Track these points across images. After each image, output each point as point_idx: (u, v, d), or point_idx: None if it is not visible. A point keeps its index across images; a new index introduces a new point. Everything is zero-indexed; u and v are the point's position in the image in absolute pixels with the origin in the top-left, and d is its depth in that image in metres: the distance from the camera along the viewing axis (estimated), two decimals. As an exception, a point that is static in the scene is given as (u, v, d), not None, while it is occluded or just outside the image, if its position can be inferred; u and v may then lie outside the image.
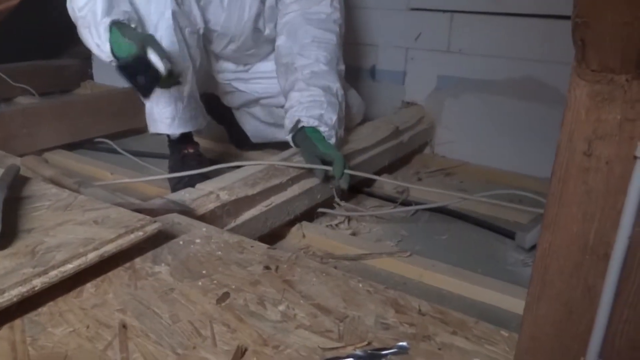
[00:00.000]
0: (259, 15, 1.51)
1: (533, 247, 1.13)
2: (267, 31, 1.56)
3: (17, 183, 0.92)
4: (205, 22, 1.43)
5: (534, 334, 0.47)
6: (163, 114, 1.36)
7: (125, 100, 1.90)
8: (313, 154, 1.27)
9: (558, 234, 0.44)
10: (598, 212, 0.41)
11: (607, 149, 0.40)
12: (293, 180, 1.21)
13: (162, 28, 1.27)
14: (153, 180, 1.38)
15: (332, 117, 1.34)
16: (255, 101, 1.66)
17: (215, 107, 1.70)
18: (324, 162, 1.25)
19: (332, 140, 1.33)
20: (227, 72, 1.61)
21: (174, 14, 1.28)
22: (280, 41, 1.50)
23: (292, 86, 1.41)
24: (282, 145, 1.51)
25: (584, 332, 0.44)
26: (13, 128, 1.59)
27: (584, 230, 0.42)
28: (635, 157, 0.39)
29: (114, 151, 1.74)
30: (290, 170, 1.23)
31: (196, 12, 1.38)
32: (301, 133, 1.32)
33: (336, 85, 1.41)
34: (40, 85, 2.26)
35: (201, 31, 1.40)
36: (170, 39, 1.28)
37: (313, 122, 1.31)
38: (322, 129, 1.31)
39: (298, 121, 1.33)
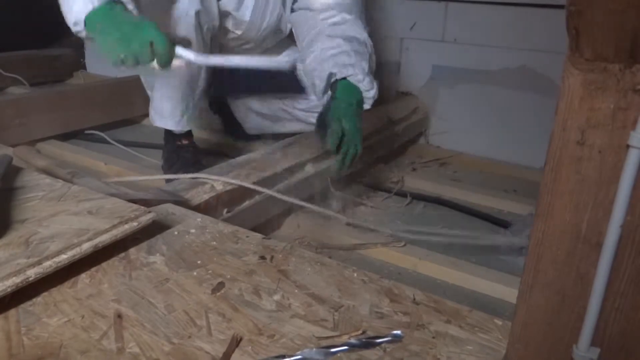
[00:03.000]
0: (279, 18, 1.45)
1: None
2: (287, 31, 1.53)
3: (10, 173, 0.91)
4: (226, 27, 1.37)
5: (526, 322, 0.48)
6: (174, 110, 1.33)
7: (118, 90, 1.88)
8: (339, 123, 1.14)
9: (551, 223, 0.44)
10: (591, 201, 0.42)
11: (600, 138, 0.40)
12: (289, 171, 1.21)
13: (182, 26, 1.20)
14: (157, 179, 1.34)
15: (364, 67, 1.20)
16: (255, 92, 1.64)
17: (212, 97, 1.69)
18: (342, 137, 1.14)
19: (372, 93, 1.21)
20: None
21: (198, 13, 1.20)
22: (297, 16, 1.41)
23: (313, 38, 1.30)
24: (277, 136, 1.51)
25: (576, 320, 0.45)
26: (5, 118, 1.57)
27: (577, 219, 0.43)
28: (628, 146, 0.39)
29: (107, 141, 1.73)
30: (285, 161, 1.23)
31: (215, 9, 1.30)
32: (335, 88, 1.19)
33: (363, 35, 1.28)
34: (32, 75, 2.24)
35: (217, 27, 1.33)
36: (194, 38, 1.22)
37: (347, 72, 1.19)
38: (360, 77, 1.18)
39: (330, 76, 1.20)
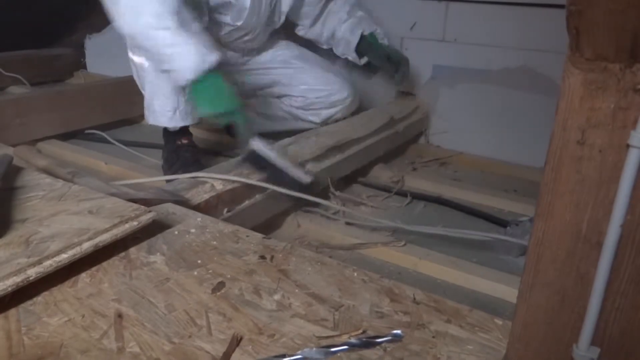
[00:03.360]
0: (275, 6, 1.52)
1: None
2: (280, 22, 1.57)
3: (10, 173, 0.92)
4: (224, 18, 1.42)
5: (527, 322, 0.48)
6: (164, 107, 1.35)
7: (119, 90, 1.88)
8: (384, 55, 1.64)
9: (551, 223, 0.44)
10: (591, 200, 0.42)
11: (601, 138, 0.40)
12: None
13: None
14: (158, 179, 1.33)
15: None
16: (253, 92, 1.65)
17: None
18: (392, 62, 1.63)
19: (386, 40, 1.67)
20: (226, 64, 1.58)
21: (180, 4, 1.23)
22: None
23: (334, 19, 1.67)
24: (277, 135, 1.51)
25: (577, 320, 0.45)
26: (5, 118, 1.57)
27: (577, 218, 0.43)
28: (628, 146, 0.39)
29: (108, 141, 1.73)
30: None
31: (203, 6, 1.35)
32: (364, 43, 1.64)
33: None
34: (32, 75, 2.24)
35: (206, 22, 1.37)
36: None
37: (374, 27, 1.66)
38: (381, 34, 1.66)
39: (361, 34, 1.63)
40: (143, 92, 1.38)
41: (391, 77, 1.67)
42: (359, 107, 1.73)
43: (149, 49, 1.20)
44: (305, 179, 1.17)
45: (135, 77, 1.40)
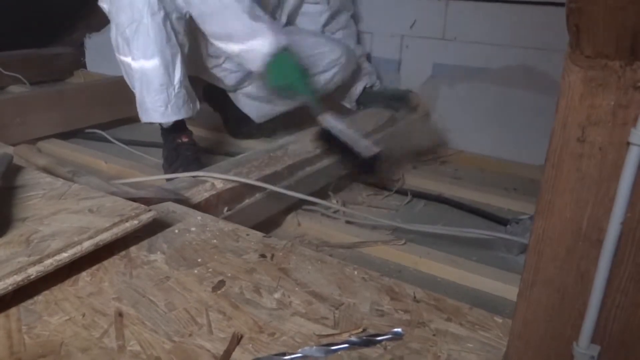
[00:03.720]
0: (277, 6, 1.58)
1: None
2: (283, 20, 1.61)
3: (11, 172, 0.92)
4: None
5: (527, 320, 0.48)
6: (155, 102, 1.34)
7: (119, 89, 1.87)
8: (385, 99, 1.73)
9: (551, 220, 0.44)
10: (591, 198, 0.42)
11: (601, 135, 0.40)
12: (289, 169, 1.21)
13: (146, 15, 1.26)
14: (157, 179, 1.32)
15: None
16: (249, 76, 1.62)
17: (210, 92, 1.69)
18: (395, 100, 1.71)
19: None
20: (215, 57, 1.56)
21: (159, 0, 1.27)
22: None
23: None
24: (276, 134, 1.51)
25: (577, 318, 0.45)
26: (5, 117, 1.57)
27: (577, 216, 0.43)
28: (628, 143, 0.39)
29: (108, 140, 1.73)
30: (286, 158, 1.23)
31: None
32: (364, 94, 1.76)
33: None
34: (32, 74, 2.24)
35: (188, 15, 1.36)
36: (158, 27, 1.27)
37: (374, 80, 1.78)
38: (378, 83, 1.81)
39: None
40: (134, 90, 1.38)
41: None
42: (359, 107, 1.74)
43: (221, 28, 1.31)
44: (374, 149, 1.26)
45: (125, 77, 1.40)
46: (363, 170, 1.34)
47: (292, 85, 1.32)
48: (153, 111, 1.36)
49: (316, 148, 1.27)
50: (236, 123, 1.75)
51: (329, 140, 1.27)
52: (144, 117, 1.39)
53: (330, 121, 1.28)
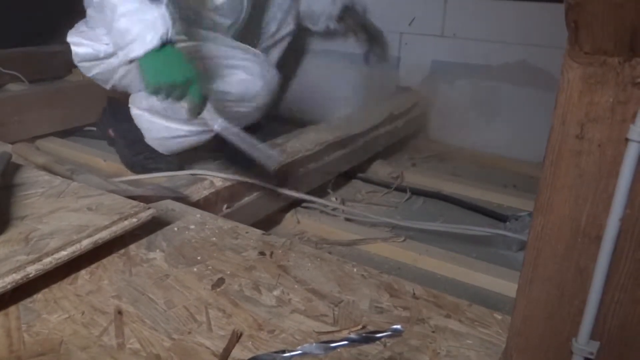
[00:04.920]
0: None
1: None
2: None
3: (9, 170, 0.91)
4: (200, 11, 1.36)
5: (526, 316, 0.48)
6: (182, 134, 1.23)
7: (118, 86, 1.87)
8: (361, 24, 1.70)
9: (550, 217, 0.44)
10: (590, 195, 0.42)
11: (599, 132, 0.40)
12: (288, 167, 1.21)
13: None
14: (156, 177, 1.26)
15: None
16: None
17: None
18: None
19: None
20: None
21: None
22: None
23: None
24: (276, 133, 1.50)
25: (576, 314, 0.45)
26: (4, 115, 1.57)
27: (576, 213, 0.43)
28: (627, 140, 0.39)
29: (107, 138, 1.72)
30: (284, 156, 1.22)
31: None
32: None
33: None
34: (30, 72, 2.23)
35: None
36: None
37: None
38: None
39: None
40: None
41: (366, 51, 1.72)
42: (359, 103, 1.73)
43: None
44: (276, 156, 1.09)
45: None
46: (265, 179, 1.14)
47: (174, 83, 1.02)
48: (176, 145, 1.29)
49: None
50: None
51: (223, 146, 1.07)
52: (162, 149, 1.30)
53: (224, 126, 1.04)
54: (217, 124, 1.04)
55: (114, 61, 1.23)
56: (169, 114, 1.24)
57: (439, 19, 1.73)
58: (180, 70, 1.02)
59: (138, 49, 1.02)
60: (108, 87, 1.34)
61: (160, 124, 1.26)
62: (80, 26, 1.32)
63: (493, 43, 1.65)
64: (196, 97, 1.03)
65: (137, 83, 1.26)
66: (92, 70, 1.32)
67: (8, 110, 1.58)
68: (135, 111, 1.30)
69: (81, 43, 1.28)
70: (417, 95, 1.81)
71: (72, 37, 1.30)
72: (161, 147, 1.30)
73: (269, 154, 1.06)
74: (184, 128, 1.24)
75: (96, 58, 1.27)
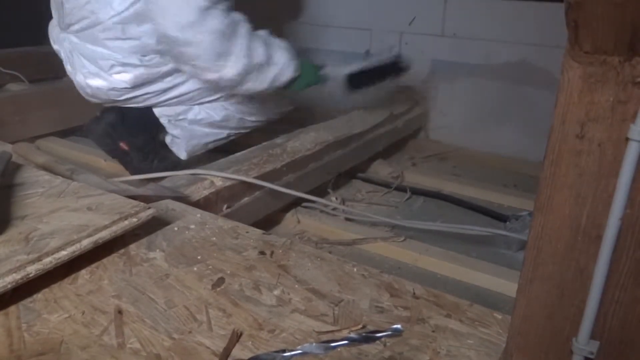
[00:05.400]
0: None
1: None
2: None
3: (9, 170, 0.91)
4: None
5: (526, 316, 0.48)
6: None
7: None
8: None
9: (550, 217, 0.44)
10: (590, 194, 0.42)
11: (600, 132, 0.40)
12: (288, 166, 1.21)
13: None
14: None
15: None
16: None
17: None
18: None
19: None
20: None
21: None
22: None
23: None
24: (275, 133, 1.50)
25: (576, 313, 0.45)
26: (4, 115, 1.57)
27: (576, 212, 0.43)
28: (627, 139, 0.39)
29: (107, 138, 1.72)
30: (284, 156, 1.23)
31: None
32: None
33: None
34: (31, 71, 2.23)
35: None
36: None
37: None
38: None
39: None
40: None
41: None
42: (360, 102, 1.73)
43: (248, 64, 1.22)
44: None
45: None
46: None
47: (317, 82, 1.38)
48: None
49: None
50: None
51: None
52: (182, 155, 1.43)
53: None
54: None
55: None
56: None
57: (439, 18, 1.73)
58: (317, 73, 1.37)
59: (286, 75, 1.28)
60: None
61: (201, 130, 1.41)
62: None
63: (493, 42, 1.65)
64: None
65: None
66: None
67: (8, 110, 1.59)
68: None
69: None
70: (417, 94, 1.81)
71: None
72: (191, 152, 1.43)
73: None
74: (224, 132, 1.44)
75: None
